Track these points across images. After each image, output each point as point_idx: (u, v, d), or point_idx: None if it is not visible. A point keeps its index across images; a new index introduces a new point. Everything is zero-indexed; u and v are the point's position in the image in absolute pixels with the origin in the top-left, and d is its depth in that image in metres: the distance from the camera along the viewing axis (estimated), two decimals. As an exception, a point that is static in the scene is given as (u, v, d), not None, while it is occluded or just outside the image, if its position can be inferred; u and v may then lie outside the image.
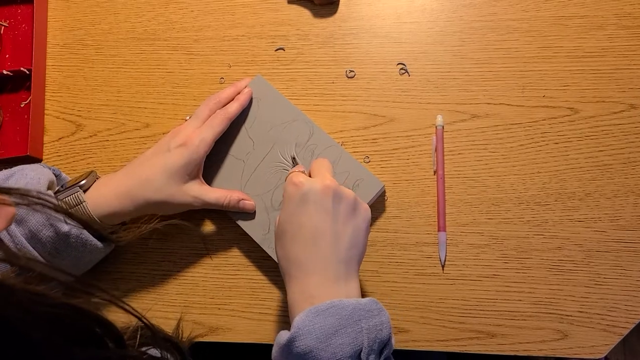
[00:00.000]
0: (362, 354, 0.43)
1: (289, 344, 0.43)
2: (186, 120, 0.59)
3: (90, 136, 0.66)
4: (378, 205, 0.60)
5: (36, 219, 0.51)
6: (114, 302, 0.39)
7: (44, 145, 0.67)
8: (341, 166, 0.58)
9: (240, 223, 0.59)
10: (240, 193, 0.59)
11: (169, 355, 0.46)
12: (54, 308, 0.32)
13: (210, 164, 0.60)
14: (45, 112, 0.68)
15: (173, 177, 0.55)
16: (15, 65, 0.67)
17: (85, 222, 0.52)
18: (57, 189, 0.55)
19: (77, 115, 0.67)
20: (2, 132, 0.67)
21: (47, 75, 0.69)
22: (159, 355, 0.46)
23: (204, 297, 0.60)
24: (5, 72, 0.66)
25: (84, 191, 0.54)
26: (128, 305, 0.40)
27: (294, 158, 0.59)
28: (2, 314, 0.29)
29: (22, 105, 0.67)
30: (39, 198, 0.42)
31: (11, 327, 0.30)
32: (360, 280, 0.58)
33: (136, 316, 0.41)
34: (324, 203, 0.47)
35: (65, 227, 0.51)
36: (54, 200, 0.50)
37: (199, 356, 0.57)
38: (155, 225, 0.55)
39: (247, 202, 0.58)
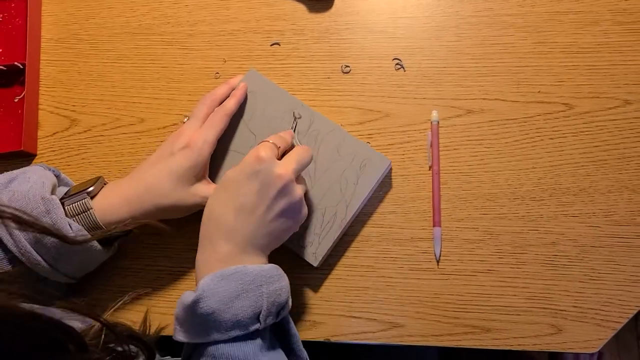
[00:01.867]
0: (260, 315, 0.46)
1: (193, 305, 0.45)
2: (184, 122, 0.59)
3: (85, 131, 0.66)
4: (373, 201, 0.60)
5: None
6: (73, 309, 0.40)
7: (38, 140, 0.66)
8: (346, 148, 0.58)
9: None
10: None
11: (133, 350, 0.45)
12: (13, 316, 0.33)
13: (214, 162, 0.60)
14: (39, 106, 0.67)
15: (180, 181, 0.54)
16: (9, 60, 0.67)
17: (89, 230, 0.52)
18: (62, 195, 0.54)
19: (71, 110, 0.67)
20: (-5, 127, 0.66)
21: (41, 69, 0.69)
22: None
23: (200, 292, 0.60)
24: (-2, 66, 0.66)
25: (91, 198, 0.53)
26: (89, 310, 0.41)
27: (293, 113, 0.60)
28: None
29: (15, 100, 0.67)
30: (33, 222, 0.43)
31: None
32: (355, 276, 0.58)
33: (100, 321, 0.41)
34: (268, 189, 0.48)
35: (70, 233, 0.50)
36: (48, 221, 0.50)
37: (170, 348, 0.57)
38: (142, 221, 0.54)
39: None
